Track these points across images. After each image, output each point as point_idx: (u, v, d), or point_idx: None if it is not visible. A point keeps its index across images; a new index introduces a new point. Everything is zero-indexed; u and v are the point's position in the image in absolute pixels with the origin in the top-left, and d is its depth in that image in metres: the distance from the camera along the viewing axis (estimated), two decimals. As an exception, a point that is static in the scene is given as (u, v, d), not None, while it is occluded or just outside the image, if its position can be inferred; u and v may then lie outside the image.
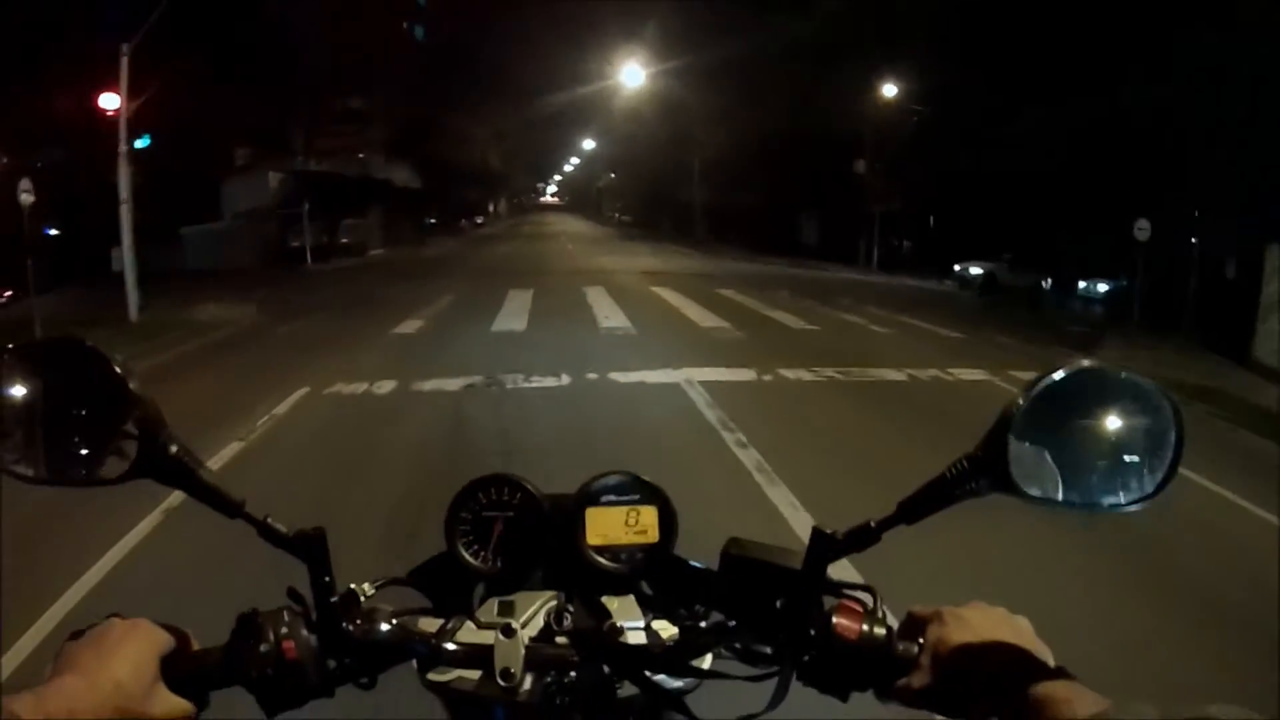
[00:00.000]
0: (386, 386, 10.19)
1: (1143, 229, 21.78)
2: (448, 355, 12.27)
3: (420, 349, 13.04)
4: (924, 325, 18.06)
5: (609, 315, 16.66)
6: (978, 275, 32.59)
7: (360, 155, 50.71)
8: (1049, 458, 1.03)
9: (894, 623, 1.07)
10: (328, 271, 30.97)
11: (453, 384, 10.27)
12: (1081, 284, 31.49)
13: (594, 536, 1.28)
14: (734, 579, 1.18)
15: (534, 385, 10.31)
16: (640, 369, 11.26)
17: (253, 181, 38.38)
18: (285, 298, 20.82)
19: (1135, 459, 1.03)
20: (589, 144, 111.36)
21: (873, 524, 1.06)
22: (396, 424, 8.57)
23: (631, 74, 51.15)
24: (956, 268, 34.24)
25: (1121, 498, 1.03)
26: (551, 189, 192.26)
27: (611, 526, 1.28)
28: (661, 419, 8.89)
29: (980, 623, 1.01)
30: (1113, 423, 1.03)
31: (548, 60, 68.00)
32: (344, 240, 40.06)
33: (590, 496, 1.29)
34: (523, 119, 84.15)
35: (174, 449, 0.99)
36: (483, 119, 68.14)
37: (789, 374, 11.39)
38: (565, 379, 10.67)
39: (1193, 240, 22.89)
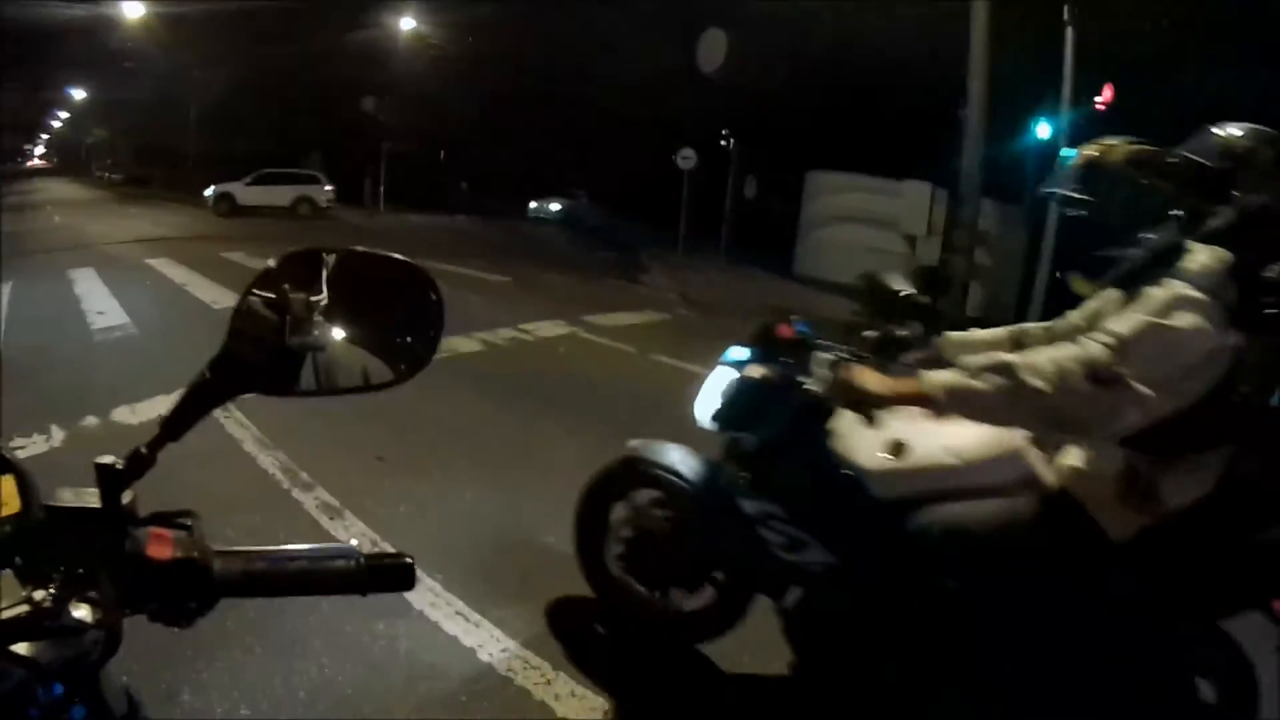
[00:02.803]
0: None
1: (687, 158, 23.75)
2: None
3: None
4: (464, 272, 17.29)
5: (102, 309, 13.73)
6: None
7: None
8: (325, 349, 1.20)
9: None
10: None
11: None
12: (533, 204, 36.65)
13: None
14: (58, 532, 1.12)
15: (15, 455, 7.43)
16: (153, 394, 8.49)
17: None
18: None
19: (407, 338, 1.27)
20: (79, 94, 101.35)
21: (143, 449, 1.15)
22: None
23: (129, 7, 45.95)
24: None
25: (392, 375, 1.25)
26: (39, 150, 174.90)
27: None
28: (208, 492, 5.70)
29: None
30: (380, 305, 1.25)
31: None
32: None
33: None
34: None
35: None
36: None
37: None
38: (56, 435, 7.65)
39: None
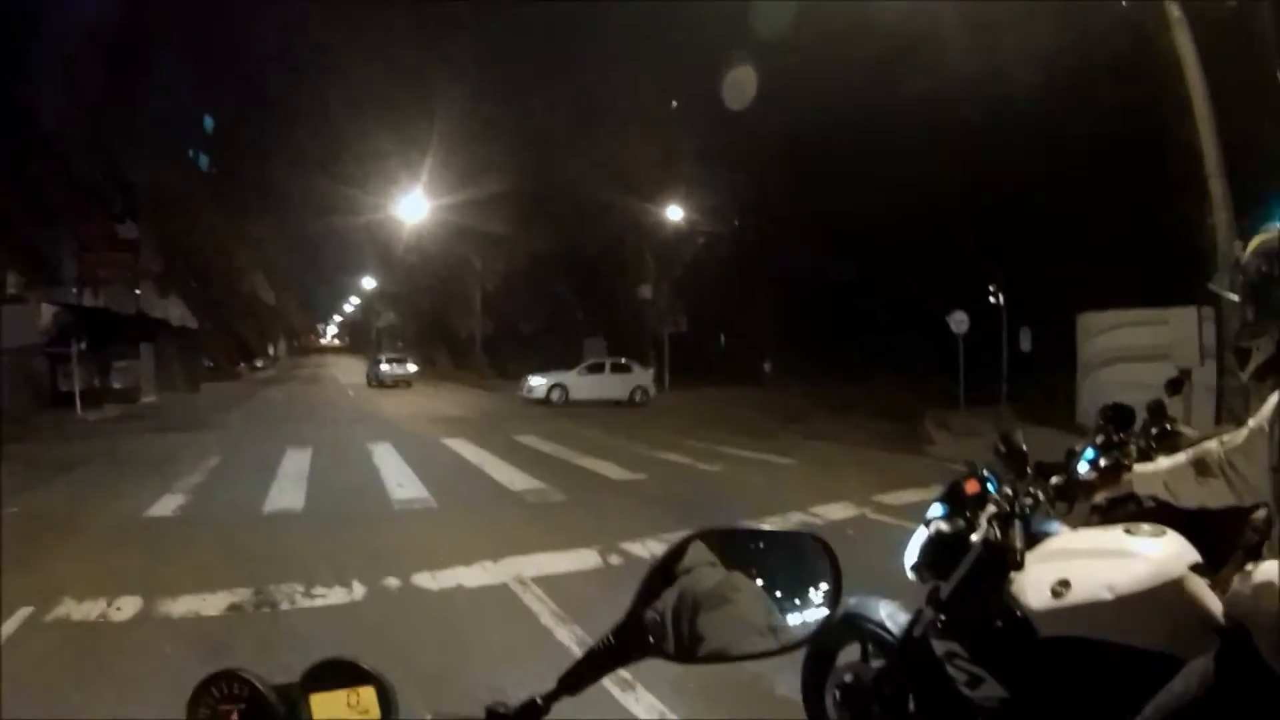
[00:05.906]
0: (128, 609, 7.02)
1: (960, 321, 23.26)
2: (208, 554, 9.06)
3: (174, 544, 9.58)
4: (749, 454, 16.69)
5: (401, 482, 13.68)
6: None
7: (136, 290, 45.76)
8: (700, 617, 1.16)
9: None
10: (94, 422, 26.27)
11: (213, 604, 7.17)
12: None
13: None
14: None
15: (317, 603, 7.26)
16: (452, 563, 8.37)
17: (23, 313, 31.65)
18: (38, 458, 17.03)
19: (794, 598, 1.22)
20: (369, 283, 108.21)
21: (539, 700, 1.17)
22: (128, 693, 5.20)
23: (412, 207, 49.37)
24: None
25: (783, 637, 1.21)
26: (331, 330, 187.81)
27: (335, 709, 1.22)
28: (499, 662, 5.87)
29: None
30: (755, 571, 1.21)
31: (329, 195, 64.73)
32: (116, 385, 34.75)
33: (312, 683, 1.23)
34: (302, 258, 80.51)
35: None
36: (262, 256, 64.59)
37: (638, 549, 8.95)
38: (357, 589, 7.63)
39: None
